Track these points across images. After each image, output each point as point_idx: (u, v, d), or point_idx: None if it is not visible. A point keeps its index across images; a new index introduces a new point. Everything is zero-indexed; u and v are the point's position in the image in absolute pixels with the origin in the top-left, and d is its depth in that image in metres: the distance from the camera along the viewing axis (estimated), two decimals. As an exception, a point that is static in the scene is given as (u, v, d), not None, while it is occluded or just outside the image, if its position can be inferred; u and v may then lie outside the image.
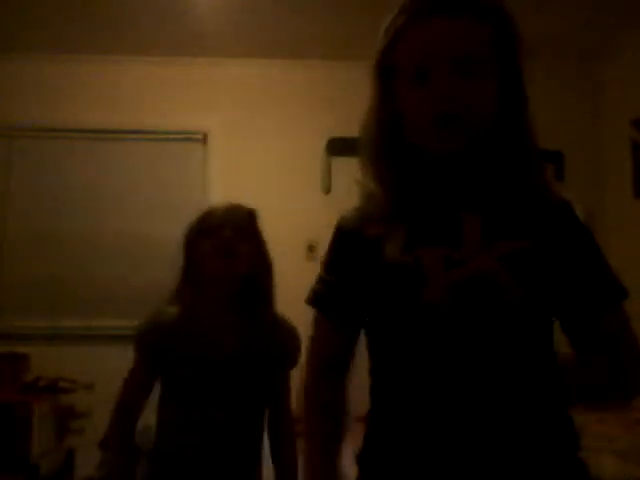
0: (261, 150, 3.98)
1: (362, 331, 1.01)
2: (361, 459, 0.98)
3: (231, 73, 4.04)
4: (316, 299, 1.03)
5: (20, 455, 3.09)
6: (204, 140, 3.98)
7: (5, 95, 3.87)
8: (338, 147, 3.81)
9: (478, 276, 0.87)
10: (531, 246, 0.89)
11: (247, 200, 4.21)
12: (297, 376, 1.28)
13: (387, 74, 0.95)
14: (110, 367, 3.69)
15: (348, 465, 1.02)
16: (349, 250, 1.00)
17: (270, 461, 1.64)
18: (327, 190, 3.86)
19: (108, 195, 3.88)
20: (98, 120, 3.91)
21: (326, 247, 1.05)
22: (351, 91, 4.14)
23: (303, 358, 1.08)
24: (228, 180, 3.94)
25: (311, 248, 3.72)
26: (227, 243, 1.56)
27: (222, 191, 3.92)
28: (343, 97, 3.89)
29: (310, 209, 3.78)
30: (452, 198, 0.94)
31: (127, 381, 1.59)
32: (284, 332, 1.64)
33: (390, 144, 0.96)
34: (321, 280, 1.03)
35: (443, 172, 0.95)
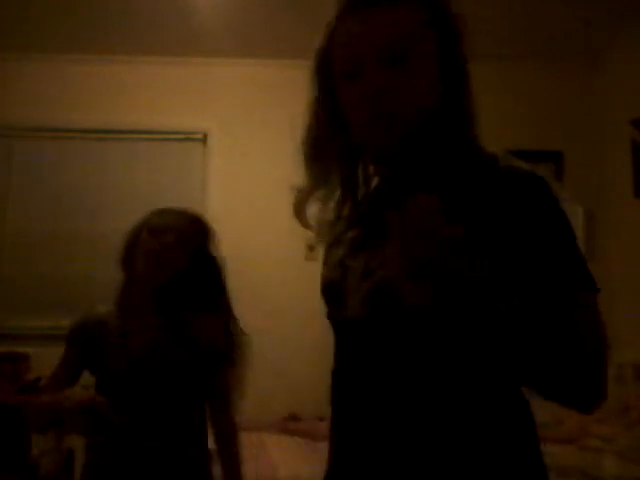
0: (261, 150, 3.98)
1: None
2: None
3: (231, 73, 4.04)
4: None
5: (20, 455, 3.09)
6: (204, 140, 3.98)
7: (5, 95, 3.87)
8: (338, 147, 3.80)
9: (382, 284, 0.84)
10: (460, 235, 0.77)
11: (247, 200, 4.20)
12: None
13: (326, 72, 0.95)
14: (110, 367, 3.70)
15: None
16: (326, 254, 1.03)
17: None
18: (327, 190, 3.86)
19: (108, 195, 3.88)
20: (98, 120, 3.91)
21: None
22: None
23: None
24: (227, 180, 3.94)
25: (311, 248, 3.72)
26: (161, 246, 1.59)
27: (222, 191, 3.93)
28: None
29: (310, 209, 3.77)
30: (385, 197, 0.93)
31: (52, 373, 1.67)
32: (214, 332, 1.62)
33: (333, 144, 0.95)
34: None
35: (386, 169, 0.94)
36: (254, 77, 4.01)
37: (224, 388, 1.65)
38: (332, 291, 0.92)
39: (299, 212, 0.98)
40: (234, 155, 3.97)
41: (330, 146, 0.95)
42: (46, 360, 3.39)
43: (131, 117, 3.93)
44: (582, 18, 3.48)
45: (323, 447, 2.74)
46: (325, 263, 0.99)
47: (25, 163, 3.90)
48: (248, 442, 2.79)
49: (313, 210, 0.99)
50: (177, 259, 1.60)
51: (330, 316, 0.95)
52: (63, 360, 1.67)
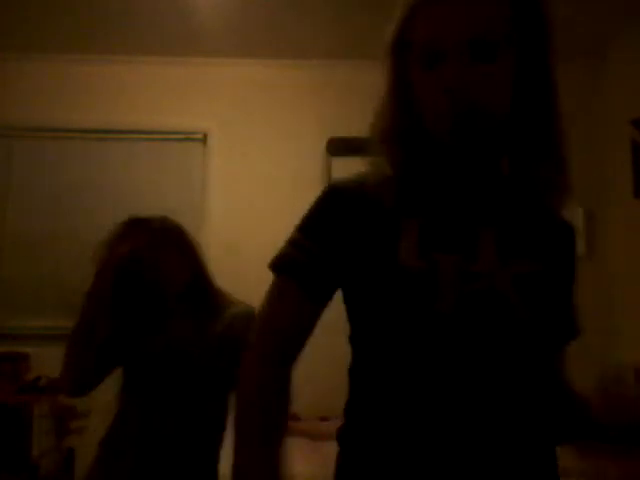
0: (261, 150, 3.98)
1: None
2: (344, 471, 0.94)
3: (231, 73, 4.04)
4: (290, 265, 0.93)
5: (20, 455, 3.09)
6: (204, 140, 3.99)
7: (5, 95, 3.87)
8: (338, 147, 3.81)
9: (491, 292, 0.85)
10: (542, 270, 0.90)
11: (247, 200, 4.20)
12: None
13: (402, 53, 0.91)
14: (110, 367, 3.70)
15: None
16: (347, 222, 0.91)
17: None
18: (327, 190, 3.85)
19: (108, 195, 3.88)
20: (98, 120, 3.91)
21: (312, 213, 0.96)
22: (351, 91, 4.16)
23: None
24: (228, 180, 3.94)
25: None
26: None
27: (222, 191, 3.93)
28: (343, 97, 3.89)
29: (310, 209, 3.77)
30: (466, 201, 0.91)
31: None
32: (241, 325, 1.62)
33: (405, 127, 0.92)
34: (298, 245, 0.94)
35: (458, 165, 0.91)
36: (254, 77, 4.01)
37: None
38: (421, 281, 0.85)
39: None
40: (234, 155, 3.97)
41: (402, 136, 0.92)
42: (46, 360, 3.41)
43: (131, 117, 3.94)
44: (582, 18, 3.48)
45: (323, 447, 2.74)
46: (383, 244, 0.89)
47: (25, 163, 3.90)
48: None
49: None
50: (171, 272, 1.67)
51: (407, 306, 0.86)
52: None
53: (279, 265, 0.94)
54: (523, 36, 0.87)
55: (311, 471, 2.66)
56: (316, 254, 0.91)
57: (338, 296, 0.97)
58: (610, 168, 3.80)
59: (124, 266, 1.60)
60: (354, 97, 3.87)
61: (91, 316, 1.57)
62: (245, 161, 3.97)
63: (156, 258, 1.62)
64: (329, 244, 0.92)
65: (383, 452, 0.87)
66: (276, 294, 0.95)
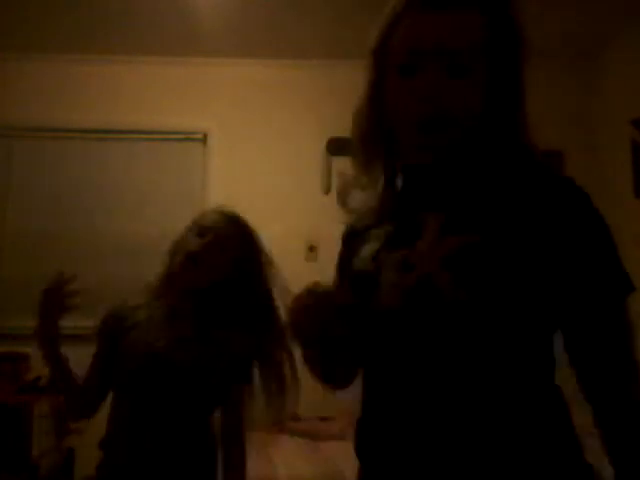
0: (261, 150, 3.98)
1: None
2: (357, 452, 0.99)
3: (231, 73, 4.04)
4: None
5: (20, 455, 3.09)
6: (204, 140, 3.99)
7: (5, 95, 3.87)
8: (338, 147, 3.81)
9: (424, 279, 0.86)
10: (478, 242, 0.84)
11: (247, 200, 4.23)
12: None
13: (382, 58, 0.94)
14: (110, 367, 3.69)
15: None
16: (344, 253, 1.06)
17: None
18: (327, 190, 3.85)
19: (108, 195, 3.88)
20: (98, 120, 3.91)
21: (326, 247, 1.10)
22: (351, 91, 4.15)
23: None
24: (228, 180, 3.94)
25: (311, 248, 3.72)
26: (199, 249, 1.55)
27: (222, 191, 3.93)
28: (343, 97, 3.89)
29: (310, 209, 3.78)
30: (422, 197, 0.94)
31: (90, 365, 1.69)
32: (237, 341, 1.58)
33: (378, 138, 0.95)
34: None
35: (426, 171, 0.95)
36: (254, 77, 4.01)
37: (238, 404, 1.61)
38: (365, 282, 0.93)
39: (342, 196, 1.05)
40: (234, 155, 3.97)
41: (375, 138, 0.96)
42: (46, 360, 3.41)
43: (131, 117, 3.93)
44: (582, 18, 3.48)
45: (323, 447, 2.75)
46: (353, 255, 1.00)
47: (25, 163, 3.90)
48: (248, 442, 2.79)
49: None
50: (216, 262, 1.56)
51: (359, 306, 0.94)
52: (95, 351, 1.70)
53: None
54: (497, 49, 0.89)
55: (311, 471, 2.66)
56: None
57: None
58: (610, 168, 3.80)
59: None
60: (354, 97, 3.86)
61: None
62: (245, 161, 3.97)
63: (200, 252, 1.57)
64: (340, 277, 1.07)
65: (367, 440, 0.94)
66: None
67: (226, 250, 1.58)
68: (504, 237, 0.84)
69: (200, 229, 1.59)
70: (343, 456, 2.87)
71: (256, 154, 3.98)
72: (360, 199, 1.03)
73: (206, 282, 1.57)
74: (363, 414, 0.96)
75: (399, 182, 0.99)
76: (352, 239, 1.03)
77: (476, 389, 0.83)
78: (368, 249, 0.95)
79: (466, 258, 0.84)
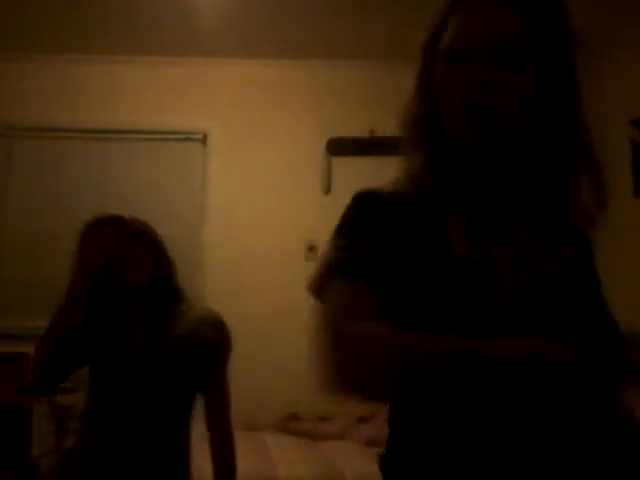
0: (261, 150, 3.98)
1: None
2: (388, 463, 0.91)
3: (231, 73, 4.04)
4: (349, 266, 0.86)
5: (20, 455, 3.09)
6: (204, 140, 3.99)
7: (5, 95, 3.87)
8: (338, 147, 3.81)
9: (547, 279, 0.87)
10: (582, 259, 0.92)
11: (247, 200, 4.19)
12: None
13: (431, 55, 0.94)
14: (110, 367, 3.69)
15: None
16: (388, 220, 0.89)
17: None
18: (327, 190, 3.85)
19: (108, 195, 3.87)
20: (98, 120, 3.91)
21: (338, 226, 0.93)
22: (351, 91, 4.16)
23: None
24: (228, 180, 3.94)
25: (311, 248, 3.72)
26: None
27: (222, 191, 3.93)
28: (343, 97, 3.89)
29: (310, 209, 3.78)
30: (500, 197, 0.94)
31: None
32: (204, 329, 1.64)
33: (429, 131, 0.94)
34: (347, 247, 0.88)
35: (480, 165, 0.93)
36: (254, 77, 4.01)
37: (221, 383, 1.66)
38: (477, 270, 0.86)
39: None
40: (234, 155, 3.97)
41: (423, 129, 0.95)
42: (46, 360, 3.41)
43: (131, 117, 3.94)
44: (582, 18, 3.48)
45: (323, 447, 2.75)
46: (430, 240, 0.88)
47: (25, 163, 3.90)
48: (248, 442, 2.79)
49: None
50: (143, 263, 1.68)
51: (466, 296, 0.85)
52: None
53: (339, 270, 0.86)
54: (548, 48, 0.91)
55: (311, 471, 2.66)
56: (370, 250, 0.87)
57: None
58: (610, 168, 3.79)
59: (100, 270, 1.62)
60: (354, 97, 3.87)
61: (65, 316, 1.57)
62: (245, 161, 3.97)
63: (125, 256, 1.62)
64: (377, 240, 0.88)
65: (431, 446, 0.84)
66: (343, 299, 0.85)
67: (147, 248, 1.71)
68: (583, 255, 0.93)
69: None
70: (343, 456, 2.87)
71: (256, 154, 3.98)
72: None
73: (145, 280, 1.66)
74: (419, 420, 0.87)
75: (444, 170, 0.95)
76: (389, 206, 0.91)
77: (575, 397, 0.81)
78: (461, 235, 0.88)
79: (579, 270, 0.90)
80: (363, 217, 0.91)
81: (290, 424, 3.41)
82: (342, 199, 0.98)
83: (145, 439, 1.55)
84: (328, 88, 3.93)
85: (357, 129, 3.79)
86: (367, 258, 0.85)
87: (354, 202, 0.93)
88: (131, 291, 1.64)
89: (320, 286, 0.88)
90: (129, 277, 1.62)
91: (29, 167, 3.89)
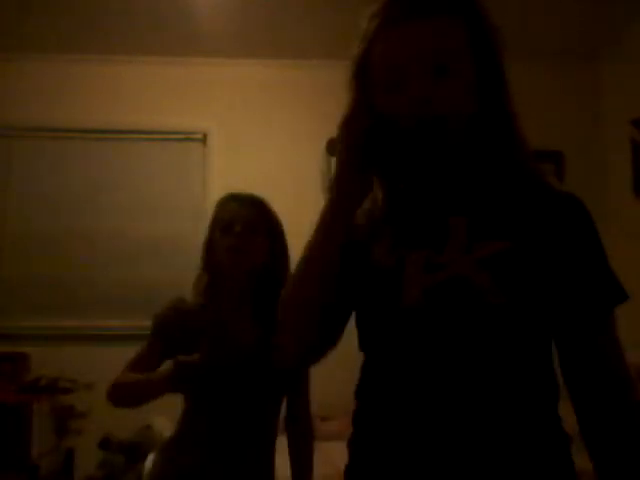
0: (261, 150, 3.98)
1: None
2: (351, 455, 0.98)
3: (231, 73, 4.04)
4: None
5: (20, 455, 3.09)
6: (204, 140, 3.98)
7: (5, 95, 3.87)
8: (338, 147, 3.80)
9: (455, 279, 0.86)
10: (510, 248, 0.86)
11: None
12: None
13: (363, 81, 0.96)
14: (110, 367, 3.68)
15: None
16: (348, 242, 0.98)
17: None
18: (327, 190, 3.85)
19: (108, 195, 3.88)
20: (98, 120, 3.91)
21: None
22: (351, 91, 4.16)
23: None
24: (228, 180, 3.94)
25: (311, 248, 3.72)
26: (236, 239, 1.60)
27: (222, 191, 3.93)
28: (343, 97, 3.89)
29: (310, 209, 3.76)
30: (439, 200, 0.93)
31: (132, 361, 1.59)
32: None
33: (372, 147, 0.93)
34: None
35: (429, 173, 0.94)
36: (254, 77, 4.01)
37: (305, 387, 1.66)
38: (387, 278, 0.90)
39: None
40: (234, 155, 3.97)
41: (371, 150, 0.93)
42: (46, 360, 3.41)
43: (131, 117, 3.93)
44: (582, 18, 3.48)
45: (323, 447, 2.75)
46: (364, 254, 0.95)
47: (25, 163, 3.90)
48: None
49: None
50: (254, 247, 1.62)
51: (376, 303, 0.92)
52: (146, 350, 1.61)
53: None
54: (476, 48, 0.90)
55: (311, 471, 2.66)
56: None
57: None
58: (610, 168, 3.80)
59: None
60: (354, 97, 3.87)
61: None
62: (245, 161, 3.97)
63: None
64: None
65: (375, 440, 0.91)
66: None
67: (258, 234, 1.65)
68: (525, 244, 0.87)
69: (226, 223, 1.66)
70: (343, 456, 2.87)
71: (256, 154, 3.97)
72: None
73: (253, 265, 1.62)
74: (370, 411, 0.94)
75: (401, 181, 0.98)
76: (358, 244, 0.99)
77: (491, 393, 0.84)
78: (382, 246, 0.93)
79: (497, 263, 0.85)
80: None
81: (290, 424, 3.40)
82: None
83: (243, 440, 1.54)
84: (328, 88, 3.92)
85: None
86: None
87: None
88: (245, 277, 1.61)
89: None
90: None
91: (29, 167, 3.89)
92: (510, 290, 0.84)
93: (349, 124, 0.93)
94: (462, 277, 0.85)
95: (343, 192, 0.92)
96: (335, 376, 2.19)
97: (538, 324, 0.88)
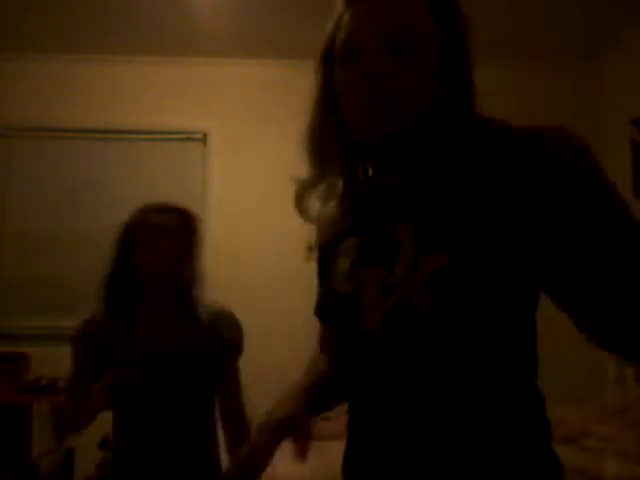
0: (261, 150, 3.98)
1: None
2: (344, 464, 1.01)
3: (231, 73, 4.04)
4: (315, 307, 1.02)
5: (20, 455, 3.09)
6: (204, 140, 3.99)
7: (5, 95, 3.87)
8: (338, 147, 3.80)
9: (405, 301, 0.83)
10: (453, 261, 0.79)
11: (246, 200, 4.21)
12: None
13: (329, 61, 0.92)
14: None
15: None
16: (319, 267, 1.05)
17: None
18: (327, 190, 3.85)
19: (108, 195, 3.88)
20: (98, 120, 3.91)
21: None
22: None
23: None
24: (228, 180, 3.94)
25: (310, 248, 3.71)
26: (166, 249, 1.59)
27: (222, 191, 3.93)
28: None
29: (310, 209, 3.77)
30: (389, 201, 0.90)
31: (66, 388, 1.63)
32: (223, 323, 1.67)
33: (334, 139, 0.92)
34: None
35: (381, 167, 0.91)
36: (254, 77, 4.01)
37: (235, 379, 1.71)
38: (345, 304, 0.89)
39: (300, 205, 0.98)
40: (234, 155, 3.97)
41: (330, 139, 0.93)
42: (46, 360, 3.42)
43: (131, 117, 3.93)
44: (582, 18, 3.48)
45: (323, 447, 2.75)
46: (327, 271, 0.96)
47: (25, 163, 3.90)
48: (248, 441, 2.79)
49: (316, 203, 0.99)
50: (189, 259, 1.63)
51: (338, 327, 0.94)
52: (75, 373, 1.63)
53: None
54: (439, 28, 0.87)
55: (311, 471, 2.66)
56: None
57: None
58: (610, 168, 3.79)
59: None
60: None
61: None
62: (245, 161, 3.97)
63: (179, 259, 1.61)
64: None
65: (353, 459, 0.96)
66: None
67: (183, 242, 1.64)
68: (471, 251, 0.79)
69: (153, 232, 1.62)
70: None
71: (256, 154, 3.98)
72: (320, 206, 1.00)
73: (188, 276, 1.64)
74: (349, 438, 0.96)
75: (360, 184, 0.95)
76: (324, 251, 1.01)
77: (458, 405, 0.82)
78: (341, 265, 0.92)
79: (444, 277, 0.80)
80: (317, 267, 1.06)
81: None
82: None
83: (177, 437, 1.55)
84: (328, 88, 3.93)
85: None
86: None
87: None
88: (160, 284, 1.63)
89: None
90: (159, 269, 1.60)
91: (29, 167, 3.89)
92: (453, 307, 0.80)
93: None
94: (409, 298, 0.82)
95: None
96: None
97: (488, 337, 0.83)
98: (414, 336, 0.83)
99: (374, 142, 0.86)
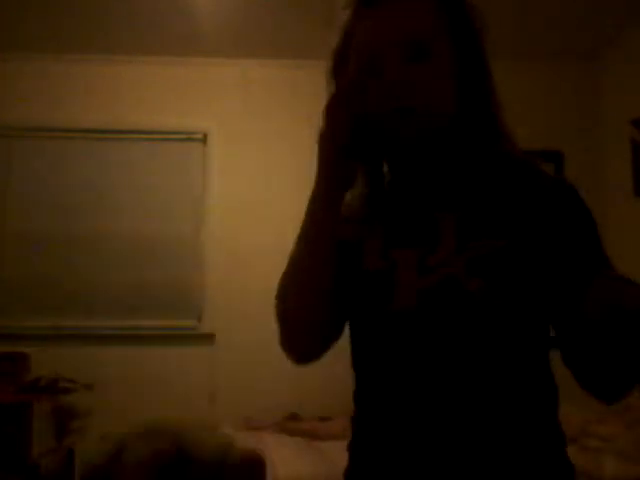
0: (261, 150, 3.98)
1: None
2: (350, 460, 0.99)
3: (231, 73, 4.04)
4: None
5: (20, 455, 3.09)
6: (204, 140, 3.99)
7: (5, 95, 3.87)
8: (338, 147, 3.80)
9: (446, 281, 0.84)
10: (505, 246, 0.84)
11: (246, 200, 4.20)
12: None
13: (343, 64, 0.93)
14: (110, 367, 3.68)
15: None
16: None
17: None
18: (327, 190, 3.85)
19: (108, 195, 3.88)
20: (98, 120, 3.91)
21: None
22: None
23: None
24: (228, 180, 3.95)
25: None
26: None
27: (222, 191, 3.93)
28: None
29: (310, 209, 3.77)
30: (426, 196, 0.92)
31: None
32: None
33: (355, 144, 0.92)
34: None
35: (413, 166, 0.93)
36: (255, 77, 4.01)
37: None
38: (377, 280, 0.89)
39: None
40: (234, 155, 3.97)
41: (351, 144, 0.92)
42: (46, 360, 3.41)
43: (131, 117, 3.94)
44: (582, 18, 3.48)
45: (323, 447, 2.76)
46: (360, 253, 0.94)
47: (25, 163, 3.90)
48: (248, 441, 2.79)
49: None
50: None
51: (368, 306, 0.91)
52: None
53: None
54: (455, 31, 0.88)
55: (311, 471, 2.66)
56: None
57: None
58: (610, 168, 3.80)
59: None
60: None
61: None
62: (245, 161, 3.97)
63: None
64: None
65: (372, 443, 0.91)
66: None
67: None
68: (519, 241, 0.84)
69: None
70: (343, 456, 2.87)
71: (256, 154, 3.98)
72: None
73: None
74: (366, 415, 0.93)
75: (386, 179, 0.97)
76: (343, 231, 0.98)
77: (486, 396, 0.83)
78: (373, 248, 0.92)
79: (489, 263, 0.83)
80: None
81: (290, 424, 3.41)
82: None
83: None
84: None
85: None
86: None
87: None
88: None
89: None
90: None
91: (29, 167, 3.89)
92: (502, 291, 0.83)
93: (335, 108, 0.88)
94: (454, 279, 0.84)
95: (330, 177, 0.89)
96: (335, 376, 2.19)
97: (533, 325, 0.86)
98: (455, 315, 0.84)
99: (401, 145, 0.88)
